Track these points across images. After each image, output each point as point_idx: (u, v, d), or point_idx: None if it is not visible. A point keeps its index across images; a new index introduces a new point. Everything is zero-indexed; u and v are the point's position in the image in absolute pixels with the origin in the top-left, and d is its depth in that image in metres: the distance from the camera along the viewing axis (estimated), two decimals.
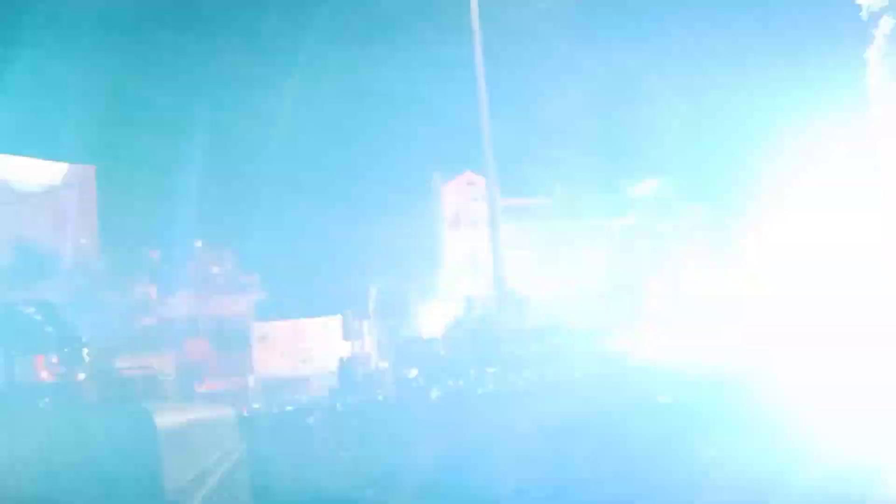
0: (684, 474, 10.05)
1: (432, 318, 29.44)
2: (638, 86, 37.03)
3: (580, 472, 10.91)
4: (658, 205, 44.98)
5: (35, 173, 36.98)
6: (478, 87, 24.03)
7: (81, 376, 20.20)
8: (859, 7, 30.66)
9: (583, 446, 12.07)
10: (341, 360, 29.92)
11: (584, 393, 16.35)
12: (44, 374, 20.85)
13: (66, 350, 19.52)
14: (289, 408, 25.33)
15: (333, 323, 37.68)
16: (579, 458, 11.51)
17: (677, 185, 43.98)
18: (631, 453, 11.70)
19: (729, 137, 33.40)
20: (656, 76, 35.31)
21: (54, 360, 20.67)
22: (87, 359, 20.50)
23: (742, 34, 32.96)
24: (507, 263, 25.92)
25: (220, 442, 7.06)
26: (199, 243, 40.81)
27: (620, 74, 37.36)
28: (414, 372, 23.24)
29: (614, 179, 43.97)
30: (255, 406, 30.71)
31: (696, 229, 43.94)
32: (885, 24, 29.70)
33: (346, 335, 35.25)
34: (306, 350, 38.29)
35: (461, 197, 41.33)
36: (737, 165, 33.16)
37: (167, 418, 4.38)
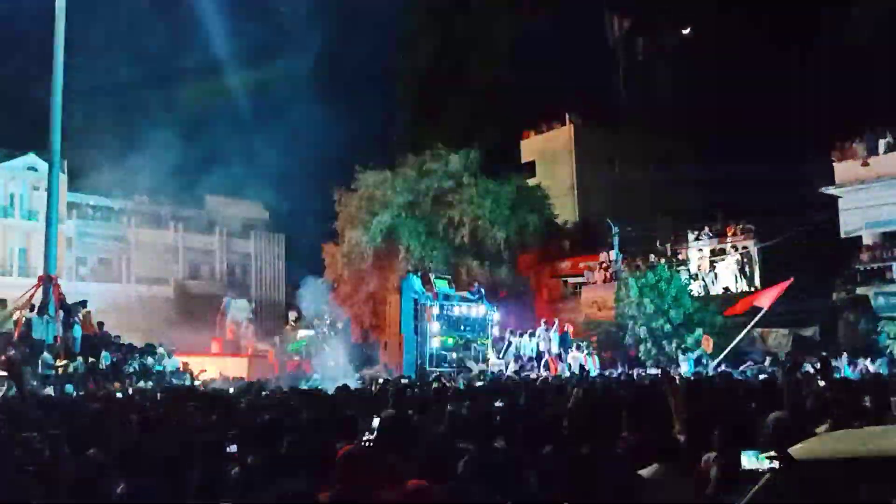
0: None
1: None
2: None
3: None
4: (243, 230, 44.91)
5: None
6: (54, 63, 21.02)
7: None
8: None
9: None
10: None
11: None
12: None
13: None
14: None
15: None
16: None
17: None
18: None
19: None
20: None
21: None
22: None
23: None
24: (62, 264, 22.79)
25: None
26: None
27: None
28: None
29: (199, 195, 42.52)
30: None
31: None
32: None
33: None
34: None
35: (17, 182, 35.64)
36: None
37: None
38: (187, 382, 19.37)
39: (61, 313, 20.35)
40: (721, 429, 4.73)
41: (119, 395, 11.92)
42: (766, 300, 21.97)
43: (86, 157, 33.27)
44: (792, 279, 21.55)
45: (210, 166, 38.36)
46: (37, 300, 20.30)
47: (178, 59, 36.13)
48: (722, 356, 22.11)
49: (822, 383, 10.15)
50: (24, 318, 19.55)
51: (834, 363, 17.44)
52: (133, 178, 37.76)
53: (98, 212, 39.89)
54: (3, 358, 16.65)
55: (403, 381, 15.59)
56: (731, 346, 22.27)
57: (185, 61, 36.01)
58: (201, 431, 5.90)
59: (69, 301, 21.18)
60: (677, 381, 9.54)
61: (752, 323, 22.28)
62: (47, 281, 20.56)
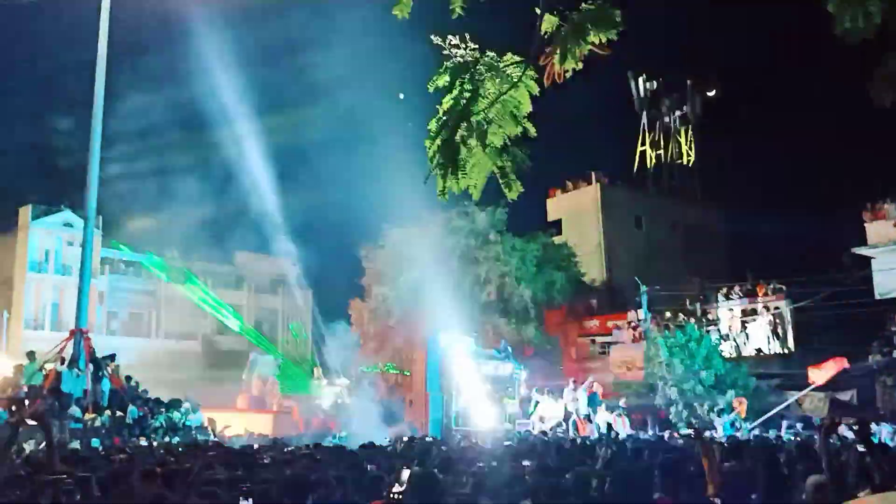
0: None
1: None
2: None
3: None
4: (271, 286, 45.24)
5: None
6: (93, 122, 21.64)
7: None
8: None
9: None
10: None
11: None
12: None
13: None
14: None
15: None
16: None
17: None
18: None
19: None
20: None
21: None
22: None
23: None
24: (93, 318, 23.07)
25: None
26: None
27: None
28: None
29: (228, 250, 43.10)
30: None
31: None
32: None
33: None
34: None
35: (52, 238, 36.44)
36: None
37: None
38: (212, 438, 19.26)
39: (91, 366, 20.49)
40: (760, 492, 4.58)
41: (144, 443, 11.88)
42: (821, 376, 21.83)
43: (118, 212, 34.07)
44: (847, 364, 21.28)
45: (239, 222, 39.02)
46: (67, 353, 20.48)
47: (208, 118, 37.19)
48: (759, 422, 21.56)
49: (861, 448, 9.78)
50: (54, 371, 19.70)
51: (873, 427, 16.87)
52: (164, 234, 38.56)
53: (130, 267, 40.59)
54: (31, 410, 16.76)
55: (429, 439, 15.38)
56: (772, 412, 21.80)
57: (216, 119, 37.03)
58: (224, 486, 5.84)
59: (98, 354, 21.33)
60: (711, 442, 9.29)
61: (799, 394, 22.03)
62: (78, 335, 20.78)
